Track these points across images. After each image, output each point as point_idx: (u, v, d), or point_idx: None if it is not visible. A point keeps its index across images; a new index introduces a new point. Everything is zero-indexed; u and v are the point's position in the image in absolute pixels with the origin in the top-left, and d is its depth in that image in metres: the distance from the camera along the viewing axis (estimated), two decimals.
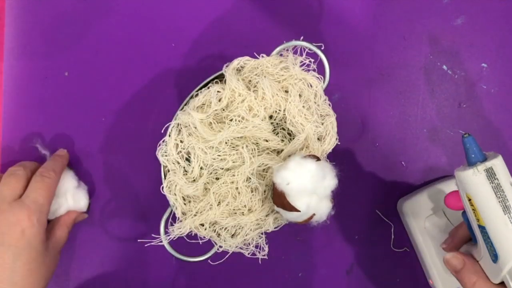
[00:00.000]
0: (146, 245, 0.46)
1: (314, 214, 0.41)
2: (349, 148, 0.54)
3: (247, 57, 0.45)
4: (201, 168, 0.45)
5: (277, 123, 0.47)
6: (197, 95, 0.45)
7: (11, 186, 0.45)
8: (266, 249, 0.46)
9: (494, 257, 0.36)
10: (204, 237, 0.45)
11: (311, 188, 0.40)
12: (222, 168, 0.45)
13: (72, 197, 0.50)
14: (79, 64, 0.54)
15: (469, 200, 0.37)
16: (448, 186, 0.51)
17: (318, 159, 0.42)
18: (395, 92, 0.55)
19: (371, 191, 0.54)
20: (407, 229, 0.53)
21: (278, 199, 0.41)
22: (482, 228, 0.36)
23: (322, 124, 0.46)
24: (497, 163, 0.35)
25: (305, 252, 0.54)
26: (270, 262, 0.52)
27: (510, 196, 0.35)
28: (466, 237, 0.43)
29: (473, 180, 0.36)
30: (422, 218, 0.51)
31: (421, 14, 0.55)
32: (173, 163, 0.45)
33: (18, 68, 0.54)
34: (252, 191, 0.44)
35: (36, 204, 0.44)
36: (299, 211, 0.40)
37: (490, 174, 0.35)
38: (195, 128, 0.43)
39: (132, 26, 0.55)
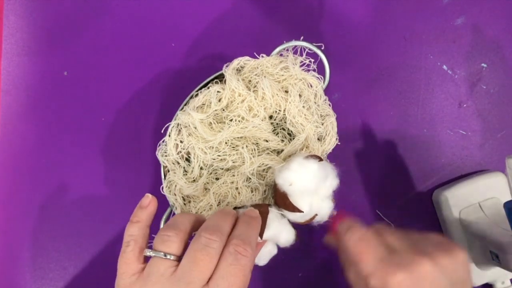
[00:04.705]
0: None
1: (316, 215, 0.41)
2: (349, 148, 0.54)
3: (247, 57, 0.45)
4: (201, 168, 0.45)
5: (277, 123, 0.47)
6: (197, 95, 0.45)
7: (204, 267, 0.32)
8: None
9: None
10: None
11: (313, 189, 0.40)
12: (222, 168, 0.45)
13: None
14: (79, 64, 0.54)
15: None
16: (486, 180, 0.51)
17: (320, 159, 0.42)
18: (395, 92, 0.55)
19: (371, 191, 0.54)
20: (440, 220, 0.53)
21: (281, 199, 0.41)
22: None
23: (322, 124, 0.46)
24: None
25: (305, 252, 0.54)
26: (270, 262, 0.52)
27: None
28: None
29: None
30: (457, 210, 0.51)
31: (421, 14, 0.55)
32: (173, 163, 0.45)
33: (17, 67, 0.54)
34: (252, 191, 0.44)
35: None
36: (302, 211, 0.40)
37: None
38: (195, 128, 0.43)
39: (132, 25, 0.55)
